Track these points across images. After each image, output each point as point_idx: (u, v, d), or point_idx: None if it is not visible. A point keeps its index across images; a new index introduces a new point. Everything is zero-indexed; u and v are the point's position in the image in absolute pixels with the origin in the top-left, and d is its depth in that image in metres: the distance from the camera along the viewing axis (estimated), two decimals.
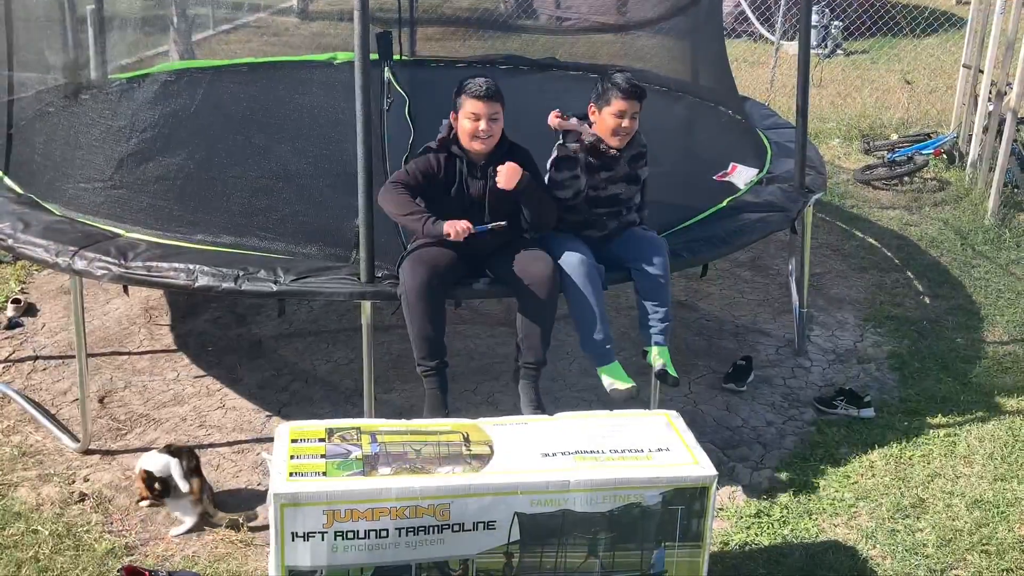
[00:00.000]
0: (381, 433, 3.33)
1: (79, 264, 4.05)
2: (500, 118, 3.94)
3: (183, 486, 3.86)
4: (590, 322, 3.99)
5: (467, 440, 3.32)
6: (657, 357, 4.14)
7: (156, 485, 3.89)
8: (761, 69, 10.49)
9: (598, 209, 4.18)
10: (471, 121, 3.91)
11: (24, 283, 5.81)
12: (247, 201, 4.65)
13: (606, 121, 4.10)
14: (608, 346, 4.04)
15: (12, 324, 5.35)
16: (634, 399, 4.04)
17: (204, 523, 3.88)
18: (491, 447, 3.29)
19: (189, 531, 3.85)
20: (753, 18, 11.79)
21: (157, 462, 3.90)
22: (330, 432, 3.31)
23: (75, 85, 5.68)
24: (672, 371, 4.13)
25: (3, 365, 4.98)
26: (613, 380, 4.03)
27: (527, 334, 3.98)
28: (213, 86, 6.24)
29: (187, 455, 3.94)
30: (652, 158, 4.32)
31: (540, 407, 4.00)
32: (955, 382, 5.06)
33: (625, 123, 4.09)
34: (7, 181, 4.78)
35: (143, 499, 3.96)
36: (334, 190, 4.42)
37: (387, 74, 4.15)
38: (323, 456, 3.18)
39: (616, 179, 4.18)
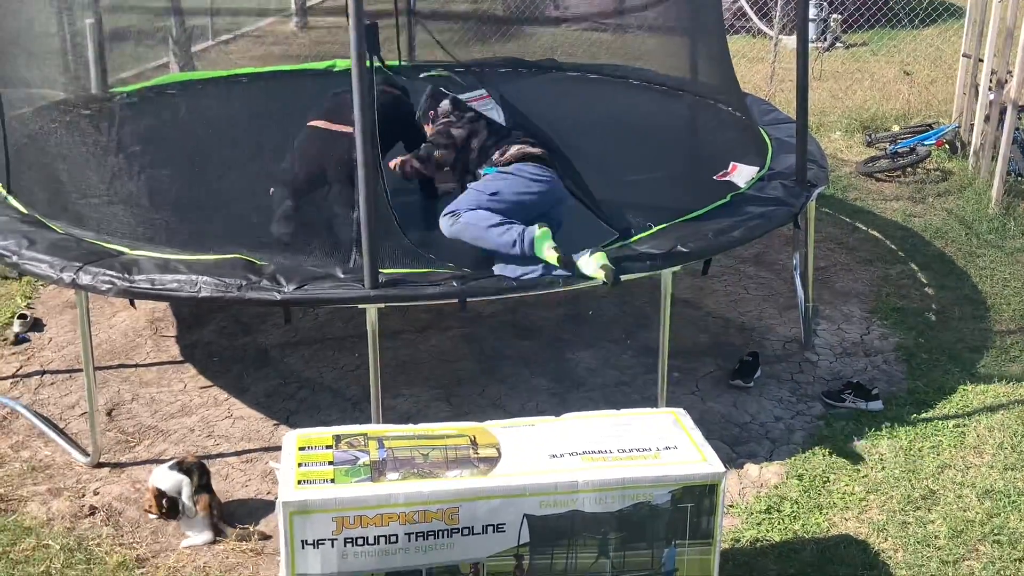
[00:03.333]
0: (388, 439, 3.33)
1: (84, 279, 4.06)
2: None
3: (190, 510, 3.87)
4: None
5: (474, 443, 3.33)
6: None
7: (164, 502, 3.90)
8: (761, 65, 10.47)
9: None
10: None
11: (30, 298, 5.83)
12: (250, 210, 4.66)
13: None
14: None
15: (19, 339, 5.36)
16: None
17: (214, 536, 3.89)
18: (498, 449, 3.29)
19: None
20: (751, 13, 11.78)
21: (168, 480, 3.91)
22: (337, 439, 3.31)
23: (76, 100, 5.70)
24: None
25: (11, 380, 5.00)
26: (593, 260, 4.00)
27: None
28: (214, 97, 6.25)
29: (198, 471, 3.95)
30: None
31: None
32: (963, 372, 5.05)
33: None
34: (11, 200, 4.79)
35: (150, 512, 3.97)
36: (334, 196, 4.44)
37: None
38: (331, 463, 3.18)
39: None
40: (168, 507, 3.90)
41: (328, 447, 3.27)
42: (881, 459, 4.36)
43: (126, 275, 4.04)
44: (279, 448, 3.41)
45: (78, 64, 6.01)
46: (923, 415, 4.68)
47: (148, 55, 7.39)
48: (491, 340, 5.35)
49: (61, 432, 4.55)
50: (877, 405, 4.74)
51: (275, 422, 4.65)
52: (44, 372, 5.08)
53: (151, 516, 3.97)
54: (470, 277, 4.07)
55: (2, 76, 4.99)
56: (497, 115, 4.80)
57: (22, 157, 5.03)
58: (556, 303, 5.59)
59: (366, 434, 3.35)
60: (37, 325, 5.53)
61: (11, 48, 5.06)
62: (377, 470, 3.16)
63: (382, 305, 4.00)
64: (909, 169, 7.86)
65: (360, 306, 4.00)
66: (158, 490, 3.90)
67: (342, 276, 4.02)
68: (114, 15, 6.31)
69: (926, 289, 6.01)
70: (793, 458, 4.38)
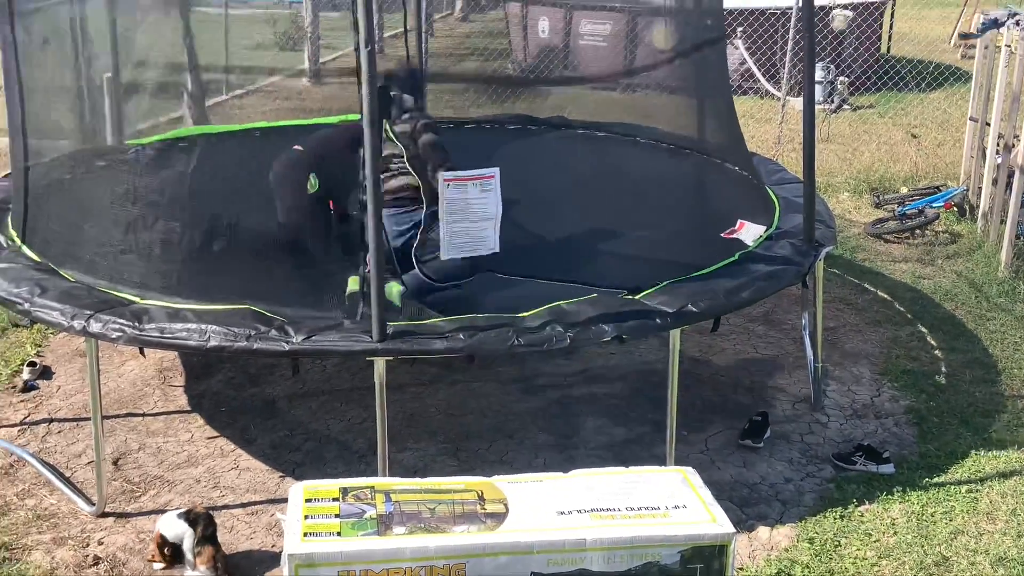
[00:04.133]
0: (395, 492, 3.30)
1: (94, 327, 4.07)
2: None
3: (189, 562, 3.84)
4: None
5: (482, 498, 3.29)
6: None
7: (167, 551, 3.87)
8: (768, 125, 10.59)
9: None
10: None
11: (40, 346, 5.84)
12: (261, 262, 4.70)
13: None
14: None
15: (28, 387, 5.36)
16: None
17: None
18: (506, 505, 3.26)
19: None
20: (759, 75, 11.93)
21: (173, 528, 3.88)
22: (344, 491, 3.28)
23: (92, 151, 5.76)
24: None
25: (19, 428, 4.99)
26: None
27: None
28: (227, 150, 6.33)
29: (203, 522, 3.91)
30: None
31: None
32: (975, 436, 5.00)
33: None
34: (24, 249, 4.83)
35: (154, 561, 3.93)
36: (342, 248, 4.48)
37: (386, 127, 4.25)
38: (337, 516, 3.15)
39: None
40: (171, 555, 3.85)
41: (335, 499, 3.24)
42: (893, 524, 4.31)
43: (136, 323, 4.06)
44: (285, 500, 3.38)
45: (95, 116, 6.09)
46: (935, 479, 4.63)
47: (163, 108, 7.49)
48: (498, 395, 5.34)
49: (67, 481, 4.53)
50: (888, 468, 4.69)
51: (281, 474, 4.62)
52: (52, 420, 5.07)
53: (155, 566, 3.92)
54: (478, 331, 4.07)
55: (28, 127, 5.06)
56: (494, 198, 4.74)
57: (38, 206, 5.08)
58: (564, 359, 5.58)
59: (373, 487, 3.32)
60: (46, 373, 5.53)
61: (37, 101, 5.15)
62: (384, 524, 3.12)
63: (390, 357, 4.00)
64: (918, 231, 7.89)
65: (368, 358, 4.01)
66: (162, 537, 3.87)
67: (350, 327, 4.03)
68: (131, 69, 6.40)
69: (936, 352, 5.98)
70: (804, 521, 4.33)
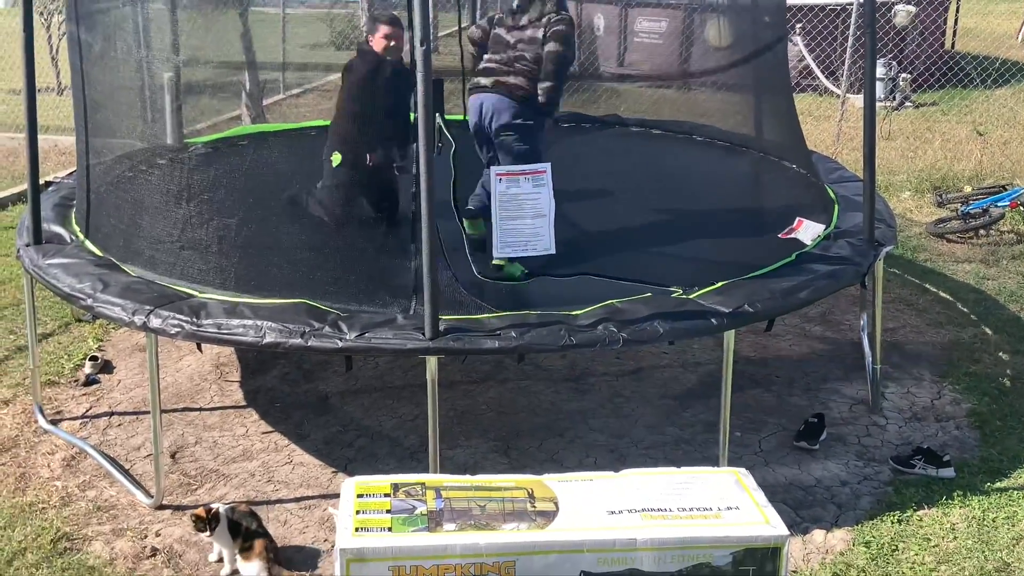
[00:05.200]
0: (446, 489, 3.31)
1: (154, 323, 4.15)
2: None
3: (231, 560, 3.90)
4: None
5: (532, 496, 3.29)
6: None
7: (212, 513, 3.91)
8: (827, 123, 10.42)
9: None
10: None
11: (101, 341, 5.97)
12: (316, 258, 4.74)
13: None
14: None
15: (89, 381, 5.49)
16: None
17: None
18: (556, 504, 3.25)
19: None
20: (818, 72, 11.75)
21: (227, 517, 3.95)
22: (395, 487, 3.30)
23: (153, 149, 5.88)
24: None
25: (81, 421, 5.11)
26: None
27: None
28: (283, 148, 6.40)
29: (247, 520, 3.95)
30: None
31: None
32: None
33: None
34: (87, 244, 4.94)
35: (196, 517, 3.98)
36: (397, 243, 4.51)
37: (438, 120, 4.25)
38: (388, 511, 3.17)
39: None
40: (210, 519, 3.90)
41: (386, 495, 3.25)
42: (953, 529, 4.21)
43: (194, 319, 4.12)
44: (337, 495, 3.42)
45: (156, 116, 6.22)
46: (997, 484, 4.51)
47: (222, 107, 7.62)
48: (549, 393, 5.33)
49: (126, 473, 4.63)
50: (948, 472, 4.58)
51: (333, 469, 4.67)
52: (112, 413, 5.18)
53: (196, 531, 3.97)
54: (530, 328, 4.06)
55: (92, 126, 5.17)
56: (546, 193, 4.72)
57: (100, 202, 5.20)
58: (616, 357, 5.55)
59: (424, 484, 3.33)
60: (107, 367, 5.65)
61: (100, 100, 5.26)
62: (434, 520, 3.13)
63: (442, 356, 4.01)
64: (982, 231, 7.70)
65: (420, 356, 4.02)
66: (218, 510, 3.92)
67: (403, 324, 4.05)
68: (191, 69, 6.52)
69: (1000, 354, 5.83)
70: (860, 524, 4.25)
